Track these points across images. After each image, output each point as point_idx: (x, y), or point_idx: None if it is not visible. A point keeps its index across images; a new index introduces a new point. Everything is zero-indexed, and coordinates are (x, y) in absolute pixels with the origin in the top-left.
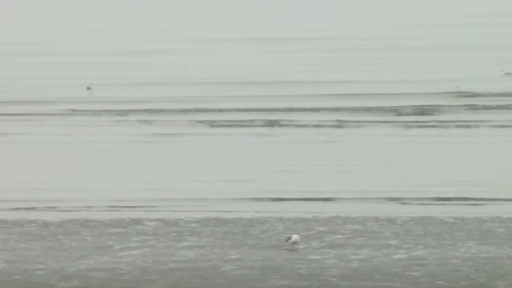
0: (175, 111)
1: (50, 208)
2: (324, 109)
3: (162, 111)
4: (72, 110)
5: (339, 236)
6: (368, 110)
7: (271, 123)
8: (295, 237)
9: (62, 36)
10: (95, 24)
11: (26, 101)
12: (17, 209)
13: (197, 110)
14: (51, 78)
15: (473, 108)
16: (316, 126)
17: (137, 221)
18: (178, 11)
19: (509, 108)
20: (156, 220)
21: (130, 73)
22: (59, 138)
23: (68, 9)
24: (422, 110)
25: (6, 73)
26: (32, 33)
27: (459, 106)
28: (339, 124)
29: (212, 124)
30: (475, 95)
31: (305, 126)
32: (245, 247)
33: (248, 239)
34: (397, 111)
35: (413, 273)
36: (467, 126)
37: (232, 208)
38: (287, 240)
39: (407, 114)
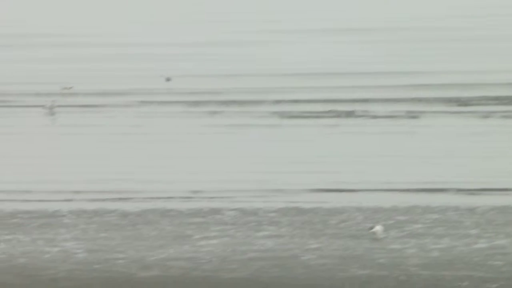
0: (251, 102)
1: (129, 198)
2: (399, 100)
3: (235, 102)
4: (149, 101)
5: (419, 226)
6: (442, 100)
7: (347, 114)
8: (377, 227)
9: (134, 27)
10: (165, 15)
11: (104, 92)
12: (96, 199)
13: (271, 101)
14: (130, 70)
15: None
16: (391, 116)
17: (216, 211)
18: (252, 2)
19: None
20: (235, 209)
21: (207, 64)
22: (135, 130)
23: (137, 0)
24: (499, 100)
25: (85, 65)
26: (105, 24)
27: None
28: (414, 115)
29: (287, 115)
30: None
31: (380, 117)
32: (324, 237)
33: (327, 228)
34: (472, 101)
35: (494, 263)
36: None
37: (310, 198)
38: (369, 230)
39: (484, 104)
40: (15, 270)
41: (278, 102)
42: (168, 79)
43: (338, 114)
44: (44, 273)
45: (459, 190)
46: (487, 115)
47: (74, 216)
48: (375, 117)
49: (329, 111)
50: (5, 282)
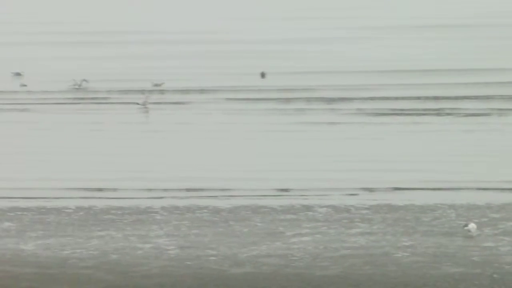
0: (341, 99)
1: (222, 195)
2: (488, 97)
3: (323, 99)
4: (241, 98)
5: None
6: None
7: (436, 112)
8: (471, 225)
9: (226, 24)
10: (253, 12)
11: (195, 89)
12: (188, 197)
13: (358, 98)
14: (226, 67)
15: None
16: (481, 114)
17: (308, 208)
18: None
19: None
20: (327, 206)
21: (298, 61)
22: (225, 127)
23: None
24: None
25: (181, 62)
26: (197, 21)
27: None
28: (504, 113)
29: (375, 112)
30: None
31: (470, 115)
32: (417, 234)
33: (420, 226)
34: None
35: None
36: None
37: (402, 196)
38: (463, 227)
39: None
40: (107, 266)
41: (365, 99)
42: (263, 75)
43: (428, 112)
44: (136, 270)
45: None
46: None
47: (166, 212)
48: (466, 115)
49: (418, 109)
50: (98, 278)
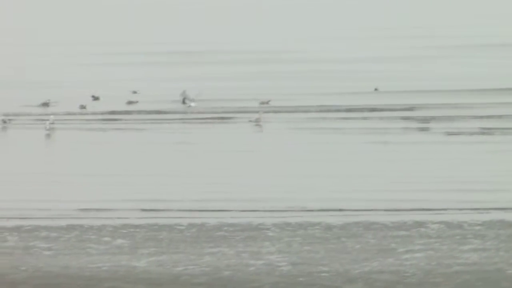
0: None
1: (334, 211)
2: None
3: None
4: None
5: None
6: None
7: None
8: None
9: (316, 43)
10: (332, 31)
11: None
12: (300, 211)
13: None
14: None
15: None
16: None
17: (420, 224)
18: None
19: None
20: (439, 222)
21: (399, 80)
22: (334, 145)
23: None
24: None
25: (282, 81)
26: (283, 41)
27: None
28: None
29: (461, 132)
30: None
31: None
32: None
33: None
34: None
35: None
36: None
37: None
38: None
39: None
40: (220, 282)
41: (453, 117)
42: (376, 89)
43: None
44: (248, 286)
45: None
46: None
47: (278, 229)
48: None
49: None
50: None
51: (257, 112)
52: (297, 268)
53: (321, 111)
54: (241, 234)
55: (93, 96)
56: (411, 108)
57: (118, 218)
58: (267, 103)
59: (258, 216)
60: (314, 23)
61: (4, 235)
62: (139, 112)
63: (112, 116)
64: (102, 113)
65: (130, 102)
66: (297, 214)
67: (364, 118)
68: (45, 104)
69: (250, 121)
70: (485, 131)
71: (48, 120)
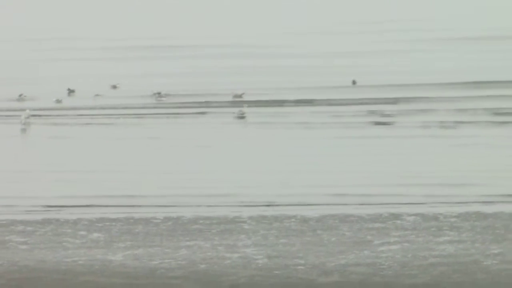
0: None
1: (308, 204)
2: None
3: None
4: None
5: None
6: None
7: None
8: None
9: (294, 38)
10: (311, 26)
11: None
12: (271, 204)
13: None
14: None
15: None
16: None
17: (396, 216)
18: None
19: None
20: (415, 214)
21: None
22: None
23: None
24: None
25: (261, 77)
26: (259, 35)
27: None
28: None
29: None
30: None
31: None
32: (506, 242)
33: (509, 233)
34: None
35: None
36: None
37: (490, 205)
38: None
39: None
40: (196, 276)
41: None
42: (354, 82)
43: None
44: (224, 279)
45: None
46: None
47: (254, 222)
48: None
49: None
50: None
51: (238, 106)
52: (273, 261)
53: (296, 105)
54: (217, 227)
55: (68, 89)
56: (394, 102)
57: (95, 210)
58: (240, 96)
59: (233, 210)
60: (293, 17)
61: None
62: (114, 107)
63: (86, 111)
64: (76, 108)
65: (97, 95)
66: (273, 208)
67: (336, 113)
68: (20, 99)
69: (233, 113)
70: (455, 125)
71: (23, 114)
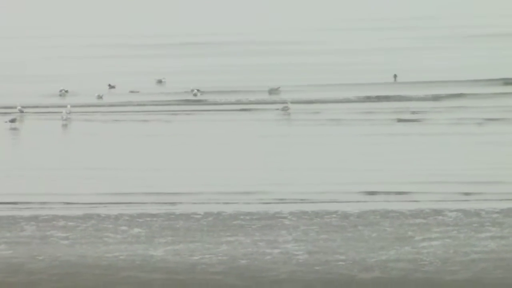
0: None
1: (350, 201)
2: None
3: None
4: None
5: None
6: None
7: None
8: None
9: (325, 34)
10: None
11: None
12: (315, 201)
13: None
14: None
15: None
16: None
17: (437, 212)
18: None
19: None
20: (457, 210)
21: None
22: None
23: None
24: None
25: (291, 75)
26: (288, 32)
27: None
28: None
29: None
30: None
31: None
32: None
33: None
34: None
35: None
36: None
37: None
38: None
39: None
40: (236, 271)
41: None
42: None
43: None
44: (265, 275)
45: None
46: None
47: (295, 217)
48: None
49: None
50: (227, 284)
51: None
52: (314, 256)
53: (338, 102)
54: (257, 223)
55: (109, 85)
56: (434, 98)
57: (136, 206)
58: (277, 90)
59: (273, 207)
60: (320, 13)
61: (22, 224)
62: (155, 103)
63: (127, 108)
64: (114, 105)
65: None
66: (314, 202)
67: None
68: (61, 95)
69: (277, 109)
70: (487, 122)
71: (64, 110)
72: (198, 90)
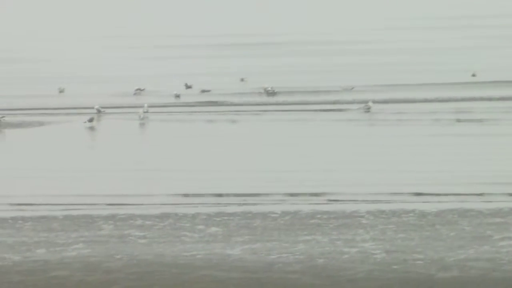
0: None
1: (427, 200)
2: None
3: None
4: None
5: None
6: None
7: None
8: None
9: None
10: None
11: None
12: (393, 200)
13: None
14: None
15: None
16: None
17: None
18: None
19: None
20: None
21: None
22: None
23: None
24: None
25: (368, 76)
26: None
27: None
28: None
29: None
30: None
31: None
32: None
33: None
34: None
35: None
36: None
37: None
38: None
39: None
40: (314, 270)
41: None
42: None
43: None
44: (342, 274)
45: None
46: None
47: (372, 216)
48: None
49: None
50: (304, 283)
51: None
52: (391, 255)
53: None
54: (335, 222)
55: (186, 85)
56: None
57: (213, 205)
58: (351, 89)
59: (351, 204)
60: (394, 12)
61: (100, 223)
62: (234, 103)
63: (206, 107)
64: (190, 105)
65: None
66: (391, 201)
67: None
68: (136, 93)
69: (359, 108)
70: None
71: (141, 109)
72: (271, 89)
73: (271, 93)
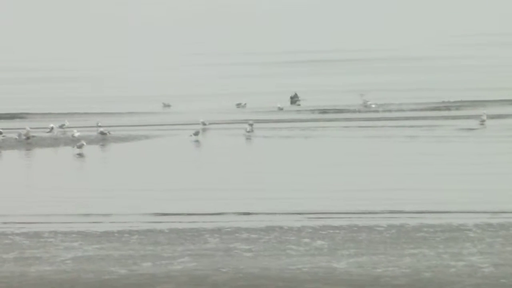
0: None
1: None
2: None
3: None
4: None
5: None
6: None
7: None
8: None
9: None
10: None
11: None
12: (499, 212)
13: None
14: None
15: None
16: None
17: None
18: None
19: None
20: None
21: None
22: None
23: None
24: None
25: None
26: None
27: None
28: None
29: None
30: None
31: None
32: None
33: None
34: None
35: None
36: None
37: None
38: None
39: None
40: (420, 284)
41: None
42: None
43: None
44: (449, 287)
45: None
46: None
47: (480, 230)
48: None
49: None
50: None
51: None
52: (500, 269)
53: None
54: (441, 235)
55: (291, 98)
56: None
57: (317, 218)
58: (452, 103)
59: (458, 217)
60: (458, 27)
61: (205, 237)
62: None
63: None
64: (296, 121)
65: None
66: (499, 215)
67: None
68: (239, 106)
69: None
70: None
71: (247, 123)
72: (367, 102)
73: (368, 105)
